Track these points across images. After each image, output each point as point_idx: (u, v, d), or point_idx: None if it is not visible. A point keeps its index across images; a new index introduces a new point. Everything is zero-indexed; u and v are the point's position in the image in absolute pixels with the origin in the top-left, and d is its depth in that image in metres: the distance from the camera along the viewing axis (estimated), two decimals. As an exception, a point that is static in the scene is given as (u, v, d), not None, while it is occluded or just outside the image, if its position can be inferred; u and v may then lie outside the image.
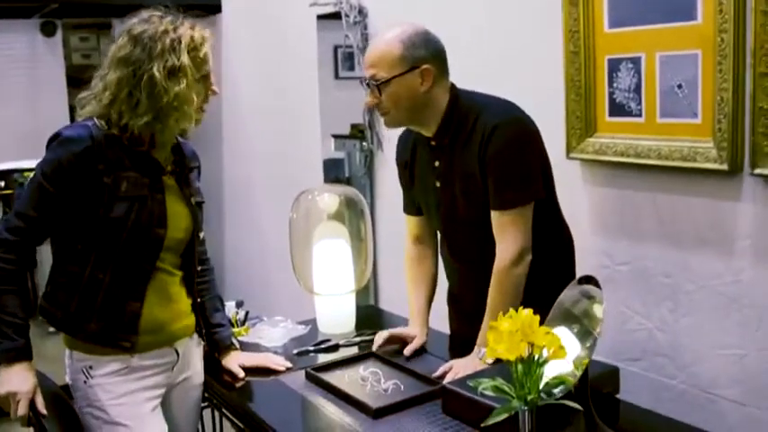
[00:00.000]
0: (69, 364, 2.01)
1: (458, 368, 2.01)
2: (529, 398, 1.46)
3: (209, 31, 2.00)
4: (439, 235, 2.29)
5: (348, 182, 3.61)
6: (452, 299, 2.36)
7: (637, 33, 2.23)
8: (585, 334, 1.74)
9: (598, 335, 1.70)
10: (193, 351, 2.17)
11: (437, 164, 2.13)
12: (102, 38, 6.64)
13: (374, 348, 2.24)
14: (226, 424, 2.27)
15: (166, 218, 1.99)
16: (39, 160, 1.93)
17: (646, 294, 2.21)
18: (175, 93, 1.88)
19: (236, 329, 2.75)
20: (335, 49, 3.69)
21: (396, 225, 3.27)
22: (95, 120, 1.92)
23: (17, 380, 1.88)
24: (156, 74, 1.87)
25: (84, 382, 1.97)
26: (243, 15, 4.53)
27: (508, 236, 2.01)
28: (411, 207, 2.33)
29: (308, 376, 2.13)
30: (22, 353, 1.90)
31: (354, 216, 2.50)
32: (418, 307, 2.28)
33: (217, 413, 2.30)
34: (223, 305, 2.30)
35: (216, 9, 4.78)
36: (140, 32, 1.91)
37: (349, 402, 1.95)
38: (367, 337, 2.38)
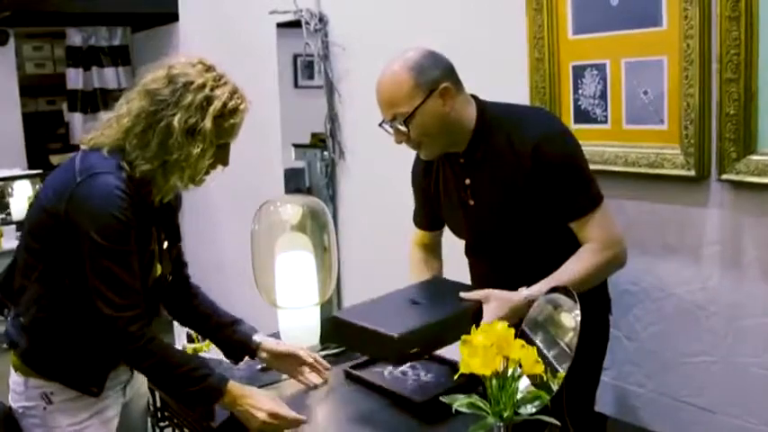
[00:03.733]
0: (22, 391, 1.90)
1: (494, 299, 1.89)
2: (504, 414, 1.42)
3: (248, 102, 1.86)
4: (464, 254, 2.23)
5: (309, 191, 3.57)
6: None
7: (601, 40, 2.22)
8: (550, 343, 1.71)
9: (569, 344, 1.67)
10: None
11: (468, 181, 2.05)
12: (56, 47, 6.51)
13: None
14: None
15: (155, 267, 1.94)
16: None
17: (613, 302, 2.19)
18: (188, 152, 1.77)
19: (196, 345, 2.69)
20: (295, 57, 3.66)
21: (359, 235, 3.25)
22: (121, 161, 1.80)
23: None
24: (176, 125, 1.75)
25: (44, 408, 1.88)
26: (200, 24, 4.46)
27: (595, 236, 1.94)
28: (424, 221, 2.28)
29: (349, 375, 2.14)
30: None
31: (318, 227, 2.45)
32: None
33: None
34: None
35: (173, 18, 4.71)
36: (178, 74, 1.78)
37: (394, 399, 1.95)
38: (332, 351, 2.32)
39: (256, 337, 2.10)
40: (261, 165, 3.90)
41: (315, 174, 3.56)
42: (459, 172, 2.06)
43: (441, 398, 1.51)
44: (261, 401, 1.85)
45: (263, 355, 2.10)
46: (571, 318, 1.75)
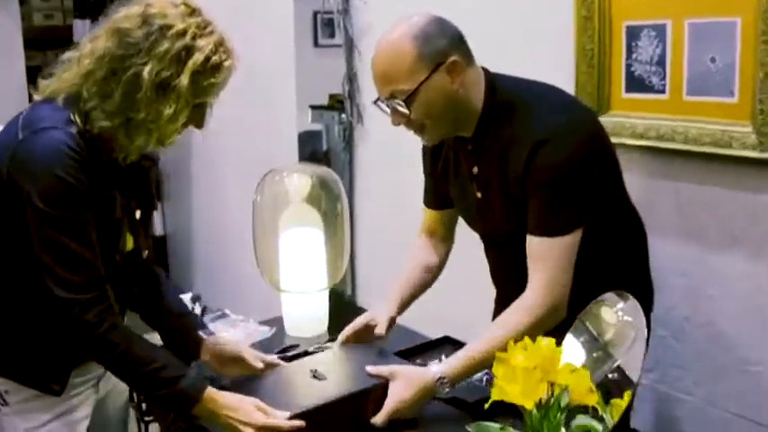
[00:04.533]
0: None
1: (401, 378, 1.67)
2: (546, 455, 1.15)
3: (236, 58, 1.58)
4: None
5: (326, 156, 3.31)
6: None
7: (662, -5, 1.92)
8: (592, 343, 1.46)
9: (613, 344, 1.42)
10: None
11: (476, 170, 1.77)
12: (67, -4, 6.23)
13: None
14: None
15: (125, 241, 1.68)
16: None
17: (660, 296, 1.92)
18: (157, 111, 1.49)
19: (190, 329, 2.44)
20: (315, 14, 3.36)
21: (378, 208, 2.95)
22: (73, 114, 1.52)
23: None
24: (146, 76, 1.47)
25: None
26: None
27: (536, 274, 1.67)
28: (432, 199, 2.00)
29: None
30: None
31: (329, 200, 2.17)
32: (394, 289, 1.96)
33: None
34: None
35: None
36: (156, 14, 1.50)
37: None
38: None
39: (202, 334, 1.81)
40: (272, 128, 3.64)
41: (332, 137, 3.29)
42: (467, 159, 1.78)
43: (468, 428, 1.26)
44: (249, 414, 1.57)
45: (206, 357, 1.79)
46: (613, 313, 1.51)
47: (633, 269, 1.86)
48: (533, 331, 1.62)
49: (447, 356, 1.91)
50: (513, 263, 1.81)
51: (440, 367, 1.66)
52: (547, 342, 1.16)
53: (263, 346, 2.07)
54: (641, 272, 1.88)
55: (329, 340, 2.08)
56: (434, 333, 2.08)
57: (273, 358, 1.83)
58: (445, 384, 1.63)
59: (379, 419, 1.62)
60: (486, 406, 1.18)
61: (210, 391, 1.58)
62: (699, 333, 2.00)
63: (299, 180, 2.15)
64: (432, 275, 2.01)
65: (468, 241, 1.98)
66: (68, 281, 1.49)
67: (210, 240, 4.41)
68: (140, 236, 1.73)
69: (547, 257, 1.64)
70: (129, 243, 1.70)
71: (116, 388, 1.84)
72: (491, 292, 2.02)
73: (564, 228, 1.63)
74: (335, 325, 2.22)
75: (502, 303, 1.99)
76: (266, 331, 2.13)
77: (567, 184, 1.62)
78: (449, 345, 2.01)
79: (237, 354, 1.77)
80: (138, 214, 1.73)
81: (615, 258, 1.79)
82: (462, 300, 2.37)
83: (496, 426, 1.21)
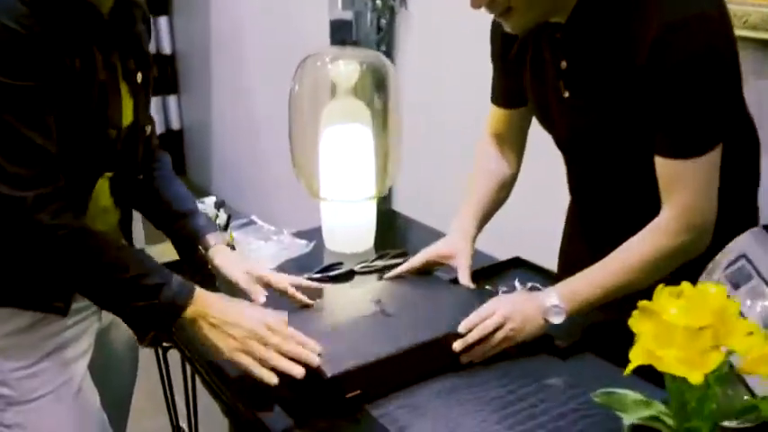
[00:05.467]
0: None
1: (507, 313, 1.32)
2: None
3: None
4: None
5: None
6: (564, 247, 1.75)
7: None
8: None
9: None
10: None
11: (564, 64, 1.39)
12: None
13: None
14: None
15: (120, 107, 1.33)
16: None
17: None
18: None
19: (213, 240, 2.12)
20: None
21: (422, 108, 2.58)
22: None
23: None
24: None
25: None
26: None
27: (676, 199, 1.31)
28: (502, 97, 1.64)
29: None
30: None
31: (380, 92, 1.81)
32: (467, 214, 1.62)
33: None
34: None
35: None
36: None
37: None
38: (391, 261, 1.74)
39: (210, 238, 1.50)
40: (303, 12, 3.25)
41: (363, 27, 2.90)
42: (553, 51, 1.41)
43: (593, 396, 0.95)
44: (253, 329, 1.23)
45: (211, 267, 1.50)
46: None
47: (741, 194, 1.51)
48: (672, 261, 1.32)
49: (522, 282, 1.60)
50: (598, 173, 1.48)
51: (554, 290, 1.35)
52: (715, 289, 0.83)
53: (299, 263, 1.76)
54: (749, 199, 1.52)
55: (377, 258, 1.76)
56: (502, 253, 1.75)
57: (305, 281, 1.51)
58: (559, 312, 1.32)
59: (459, 345, 1.30)
60: (628, 371, 0.85)
61: (201, 294, 1.26)
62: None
63: (346, 67, 1.79)
64: (506, 193, 1.67)
65: (540, 144, 1.64)
66: (15, 174, 1.17)
67: (235, 137, 4.06)
68: (141, 105, 1.39)
69: (679, 185, 1.30)
70: (128, 114, 1.37)
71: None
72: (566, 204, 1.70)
73: (703, 146, 1.27)
74: (381, 238, 1.91)
75: (579, 219, 1.67)
76: (303, 246, 1.81)
77: (705, 85, 1.24)
78: (521, 267, 1.69)
79: (258, 274, 1.46)
80: (139, 77, 1.39)
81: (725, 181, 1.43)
82: (534, 214, 2.04)
83: (636, 396, 0.90)
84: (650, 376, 1.27)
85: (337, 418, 1.20)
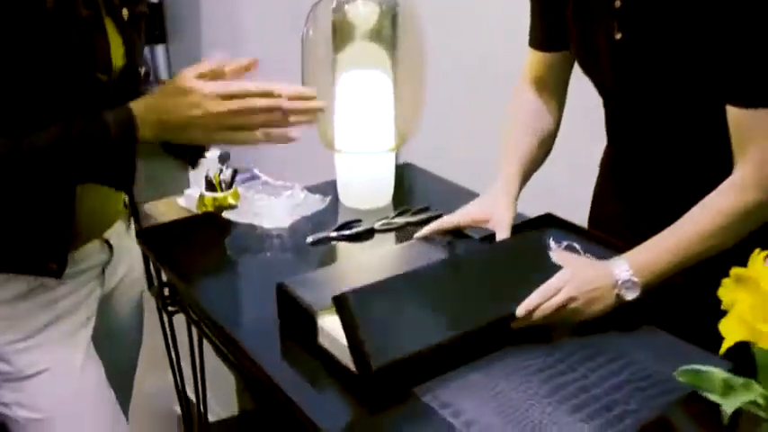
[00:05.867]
0: None
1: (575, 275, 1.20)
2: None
3: None
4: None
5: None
6: (595, 205, 1.61)
7: None
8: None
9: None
10: (124, 235, 1.44)
11: (618, 3, 1.26)
12: None
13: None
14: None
15: (108, 48, 1.18)
16: None
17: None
18: None
19: (219, 195, 2.00)
20: None
21: (447, 53, 2.41)
22: None
23: None
24: None
25: None
26: None
27: (753, 153, 1.17)
28: (541, 38, 1.50)
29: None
30: None
31: (402, 35, 1.68)
32: (507, 174, 1.47)
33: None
34: None
35: None
36: None
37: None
38: (412, 218, 1.63)
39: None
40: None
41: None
42: None
43: (677, 375, 0.85)
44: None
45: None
46: None
47: None
48: (752, 222, 1.19)
49: (557, 240, 1.49)
50: (646, 124, 1.36)
51: (625, 261, 1.20)
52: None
53: (314, 221, 1.64)
54: None
55: (397, 215, 1.64)
56: (532, 210, 1.63)
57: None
58: (633, 288, 1.18)
59: (518, 326, 1.19)
60: (722, 351, 0.75)
61: (141, 100, 1.14)
62: None
63: (364, 8, 1.65)
64: (545, 150, 1.54)
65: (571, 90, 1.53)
66: None
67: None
68: (133, 44, 1.25)
69: (758, 136, 1.17)
70: (118, 55, 1.23)
71: (128, 277, 1.42)
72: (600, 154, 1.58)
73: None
74: (401, 194, 1.79)
75: (616, 174, 1.55)
76: (319, 201, 1.69)
77: None
78: (553, 225, 1.57)
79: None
80: (125, 13, 1.24)
81: None
82: (565, 167, 1.91)
83: (725, 375, 0.79)
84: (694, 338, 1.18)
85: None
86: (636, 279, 1.17)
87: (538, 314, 1.16)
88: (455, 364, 1.15)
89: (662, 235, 1.21)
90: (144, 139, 1.10)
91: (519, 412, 1.05)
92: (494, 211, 1.41)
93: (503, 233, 1.38)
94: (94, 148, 1.08)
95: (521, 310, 1.16)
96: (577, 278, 1.18)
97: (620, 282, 1.18)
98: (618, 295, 1.18)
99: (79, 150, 1.08)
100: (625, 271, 1.18)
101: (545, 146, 1.53)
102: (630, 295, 1.18)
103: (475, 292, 1.19)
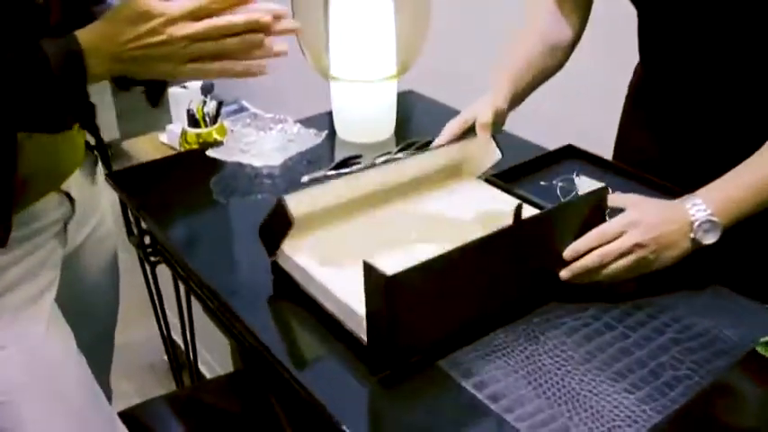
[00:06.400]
0: None
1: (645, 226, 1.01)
2: None
3: None
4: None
5: None
6: (622, 134, 1.45)
7: None
8: None
9: None
10: (88, 185, 1.25)
11: None
12: None
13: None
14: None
15: None
16: None
17: None
18: None
19: (203, 130, 1.82)
20: None
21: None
22: None
23: None
24: None
25: None
26: None
27: None
28: None
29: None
30: None
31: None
32: (504, 71, 1.29)
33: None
34: None
35: None
36: None
37: None
38: (419, 152, 1.47)
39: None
40: None
41: None
42: None
43: (757, 348, 0.70)
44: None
45: None
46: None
47: None
48: None
49: (579, 174, 1.33)
50: (688, 39, 1.19)
51: (700, 198, 1.02)
52: None
53: (309, 157, 1.48)
54: None
55: (400, 149, 1.48)
56: (552, 142, 1.47)
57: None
58: (713, 229, 1.01)
59: (566, 274, 1.03)
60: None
61: (89, 27, 0.93)
62: None
63: None
64: (557, 60, 1.36)
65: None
66: None
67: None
68: None
69: None
70: None
71: (97, 231, 1.25)
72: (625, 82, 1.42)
73: None
74: (403, 125, 1.62)
75: (646, 98, 1.38)
76: (313, 136, 1.52)
77: None
78: (576, 158, 1.42)
79: None
80: None
81: None
82: (586, 95, 1.75)
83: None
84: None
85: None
86: (715, 219, 1.00)
87: (594, 259, 1.00)
88: (486, 331, 1.00)
89: (736, 171, 1.04)
90: (94, 76, 0.91)
91: (552, 382, 0.92)
92: (475, 109, 1.24)
93: (480, 132, 1.21)
94: (31, 87, 0.89)
95: (568, 252, 1.01)
96: (644, 221, 1.01)
97: (697, 223, 1.00)
98: (694, 239, 1.01)
99: (11, 89, 0.89)
100: (702, 210, 1.00)
101: (556, 55, 1.34)
102: (709, 239, 1.00)
103: (520, 261, 1.02)
